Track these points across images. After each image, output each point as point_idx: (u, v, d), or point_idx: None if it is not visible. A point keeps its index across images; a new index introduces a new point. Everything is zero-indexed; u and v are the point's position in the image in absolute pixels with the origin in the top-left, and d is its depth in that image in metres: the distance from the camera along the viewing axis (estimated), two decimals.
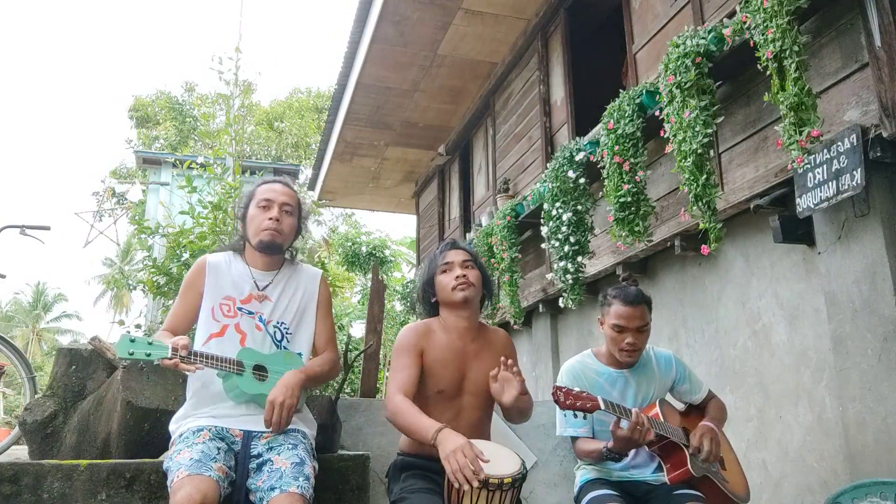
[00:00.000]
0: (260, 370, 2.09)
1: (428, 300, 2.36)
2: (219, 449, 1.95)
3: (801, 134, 2.72)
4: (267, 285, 2.24)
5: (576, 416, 2.19)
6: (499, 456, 2.03)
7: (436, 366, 2.20)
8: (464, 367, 2.24)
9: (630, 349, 2.39)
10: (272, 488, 1.87)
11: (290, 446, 2.02)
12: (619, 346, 2.40)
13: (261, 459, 2.00)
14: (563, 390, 2.15)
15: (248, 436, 2.04)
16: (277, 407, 2.01)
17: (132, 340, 1.93)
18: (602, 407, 2.16)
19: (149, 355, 1.93)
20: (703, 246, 3.30)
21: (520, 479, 1.96)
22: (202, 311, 2.18)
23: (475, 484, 1.82)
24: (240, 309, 2.18)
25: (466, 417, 2.18)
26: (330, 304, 2.37)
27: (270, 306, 2.22)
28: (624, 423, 2.19)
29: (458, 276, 2.24)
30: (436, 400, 2.19)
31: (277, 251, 2.25)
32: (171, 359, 1.92)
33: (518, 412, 2.22)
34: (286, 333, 2.21)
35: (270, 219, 2.21)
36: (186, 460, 1.85)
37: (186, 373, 2.00)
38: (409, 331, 2.27)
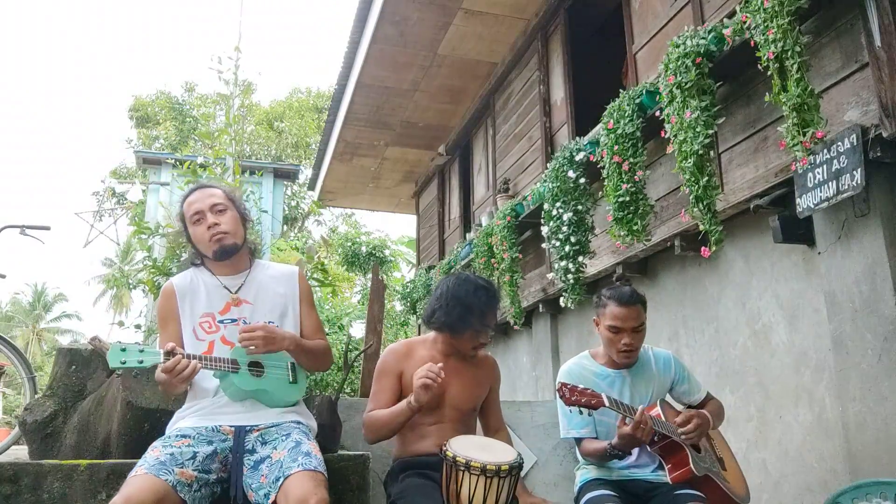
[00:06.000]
0: (255, 366, 2.08)
1: (430, 322, 2.40)
2: (195, 453, 1.91)
3: (804, 135, 2.72)
4: (240, 286, 2.20)
5: (581, 412, 2.22)
6: (496, 448, 2.09)
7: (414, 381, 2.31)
8: (443, 382, 2.29)
9: (627, 350, 2.39)
10: (276, 479, 1.85)
11: (284, 437, 2.00)
12: (616, 348, 2.41)
13: (256, 456, 1.97)
14: (569, 387, 2.19)
15: (241, 431, 2.02)
16: (256, 330, 2.01)
17: (123, 349, 1.87)
18: (606, 404, 2.17)
19: (141, 362, 1.88)
20: (703, 248, 3.30)
21: (516, 468, 2.01)
22: (184, 334, 2.14)
23: (442, 375, 2.11)
24: (221, 322, 2.14)
25: (447, 428, 2.27)
26: (312, 297, 2.34)
27: (250, 309, 2.18)
28: (628, 421, 2.20)
29: (477, 345, 2.36)
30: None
31: (235, 250, 2.19)
32: (166, 362, 1.90)
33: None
34: None
35: (209, 227, 2.14)
36: (153, 459, 1.85)
37: (184, 383, 1.97)
38: (389, 353, 2.39)
